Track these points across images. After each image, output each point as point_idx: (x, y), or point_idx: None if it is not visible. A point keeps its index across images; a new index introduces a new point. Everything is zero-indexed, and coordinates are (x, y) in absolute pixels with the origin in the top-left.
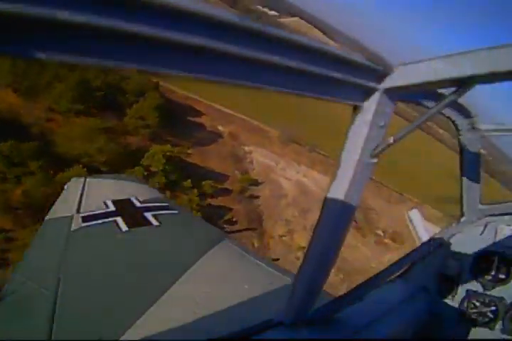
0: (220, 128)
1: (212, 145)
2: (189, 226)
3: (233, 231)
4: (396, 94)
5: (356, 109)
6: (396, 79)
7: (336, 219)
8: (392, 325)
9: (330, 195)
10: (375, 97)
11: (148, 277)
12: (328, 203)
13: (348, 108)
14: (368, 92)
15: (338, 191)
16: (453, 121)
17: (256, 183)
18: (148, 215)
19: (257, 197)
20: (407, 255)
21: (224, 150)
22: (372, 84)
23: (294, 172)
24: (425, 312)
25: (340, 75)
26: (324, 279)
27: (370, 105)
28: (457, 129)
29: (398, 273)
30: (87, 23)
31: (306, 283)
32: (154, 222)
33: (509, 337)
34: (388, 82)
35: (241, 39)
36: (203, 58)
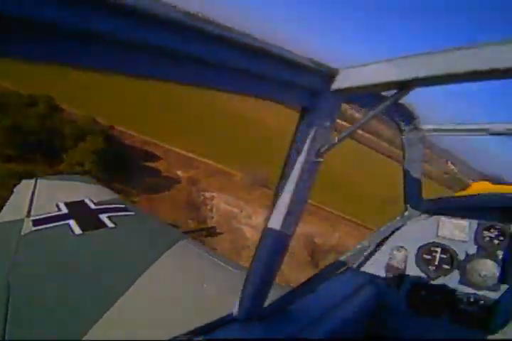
0: (178, 173)
1: (165, 192)
2: (146, 227)
3: None
4: (342, 95)
5: (303, 110)
6: (341, 82)
7: (286, 215)
8: (342, 316)
9: (279, 193)
10: (322, 99)
11: (104, 280)
12: (278, 200)
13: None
14: (314, 94)
15: (287, 188)
16: (396, 122)
17: (213, 233)
18: (104, 217)
19: (214, 250)
20: (356, 248)
21: (179, 197)
22: (318, 86)
23: (261, 219)
24: (374, 303)
25: (288, 77)
26: (275, 273)
27: (317, 106)
28: (400, 130)
29: (348, 266)
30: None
31: (258, 279)
32: (110, 224)
33: (455, 326)
34: (334, 84)
35: (188, 38)
36: (148, 58)
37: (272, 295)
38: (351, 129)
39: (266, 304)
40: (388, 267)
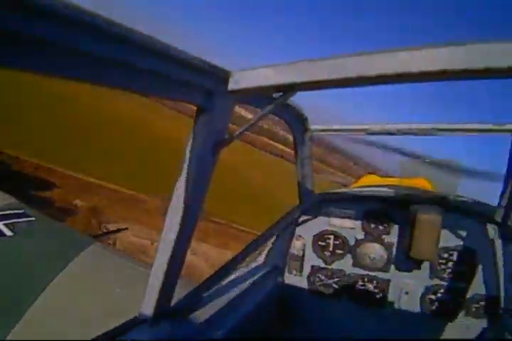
0: (76, 202)
1: None
2: (50, 234)
3: None
4: (236, 96)
5: (199, 110)
6: (234, 84)
7: (185, 211)
8: (251, 306)
9: (176, 191)
10: (217, 99)
11: (7, 294)
12: (175, 198)
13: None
14: (210, 93)
15: (184, 186)
16: (288, 123)
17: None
18: (0, 225)
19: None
20: (259, 238)
21: None
22: (213, 87)
23: None
24: (280, 289)
25: (183, 76)
26: (180, 270)
27: (212, 106)
28: (291, 130)
29: (253, 256)
30: None
31: (163, 277)
32: (8, 232)
33: (353, 305)
34: (228, 86)
35: (81, 34)
36: (33, 51)
37: (180, 292)
38: (243, 128)
39: (174, 302)
40: (290, 255)
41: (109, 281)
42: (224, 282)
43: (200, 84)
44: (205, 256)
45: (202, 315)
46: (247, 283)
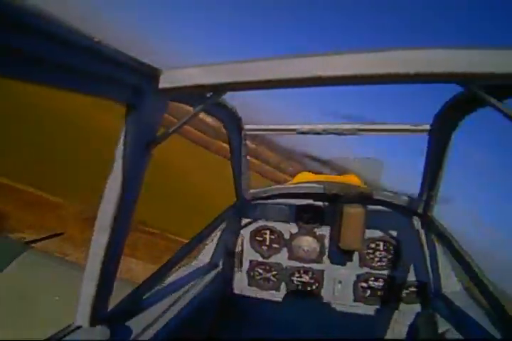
0: None
1: None
2: None
3: None
4: (167, 94)
5: (129, 107)
6: (165, 82)
7: (118, 210)
8: (194, 305)
9: (107, 192)
10: (147, 97)
11: None
12: (106, 199)
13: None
14: (140, 91)
15: (115, 188)
16: (223, 122)
17: None
18: None
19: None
20: (197, 237)
21: None
22: (142, 85)
23: None
24: (222, 286)
25: (113, 73)
26: (115, 272)
27: (142, 104)
28: (226, 129)
29: (193, 255)
30: None
31: (97, 280)
32: None
33: (292, 297)
34: (158, 84)
35: (2, 28)
36: None
37: (117, 296)
38: (176, 126)
39: (111, 306)
40: (229, 252)
41: (46, 289)
42: (164, 283)
43: (129, 82)
44: (130, 274)
45: (142, 318)
46: (188, 282)
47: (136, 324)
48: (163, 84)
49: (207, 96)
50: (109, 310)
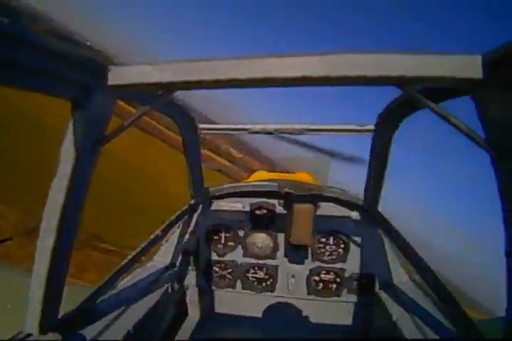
0: None
1: None
2: None
3: None
4: (115, 92)
5: (76, 104)
6: (114, 79)
7: (65, 211)
8: (147, 306)
9: (53, 193)
10: (94, 94)
11: None
12: (51, 201)
13: None
14: (87, 88)
15: (62, 188)
16: (176, 122)
17: None
18: None
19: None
20: (154, 237)
21: None
22: (89, 82)
23: None
24: (177, 285)
25: (57, 68)
26: (63, 279)
27: (90, 101)
28: (180, 128)
29: (147, 257)
30: None
31: (44, 288)
32: None
33: (248, 293)
34: (106, 81)
35: None
36: None
37: (69, 300)
38: (125, 125)
39: (63, 311)
40: (184, 251)
41: None
42: (118, 286)
43: (75, 78)
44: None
45: (95, 324)
46: (144, 284)
47: (89, 330)
48: (111, 81)
49: (158, 95)
50: (60, 316)
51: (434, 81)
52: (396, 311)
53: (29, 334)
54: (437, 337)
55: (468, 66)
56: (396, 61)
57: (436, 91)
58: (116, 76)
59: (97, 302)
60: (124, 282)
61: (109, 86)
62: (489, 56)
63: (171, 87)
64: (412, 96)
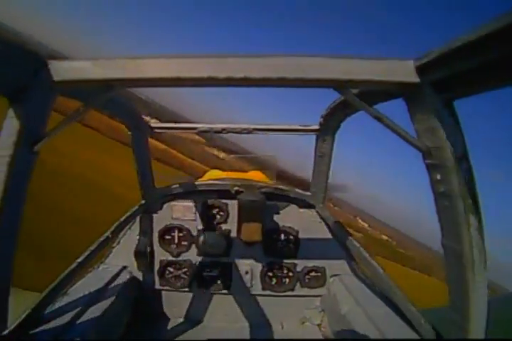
0: None
1: None
2: None
3: None
4: (54, 88)
5: (11, 101)
6: (53, 74)
7: (1, 220)
8: (102, 311)
9: None
10: (32, 90)
11: None
12: None
13: None
14: (23, 84)
15: None
16: (122, 120)
17: None
18: None
19: None
20: (104, 239)
21: None
22: (26, 77)
23: None
24: (133, 288)
25: None
26: (7, 287)
27: (26, 98)
28: (127, 127)
29: (99, 260)
30: None
31: None
32: None
33: (202, 292)
34: (44, 76)
35: None
36: None
37: (16, 308)
38: (65, 122)
39: (11, 320)
40: (137, 252)
41: None
42: (70, 290)
43: (10, 73)
44: None
45: (46, 330)
46: (96, 287)
47: (40, 336)
48: (50, 76)
49: (100, 92)
50: (9, 324)
51: (369, 84)
52: (346, 302)
53: None
54: (386, 327)
55: (401, 70)
56: (333, 64)
57: (372, 93)
58: (56, 71)
59: (48, 308)
60: (76, 286)
61: (48, 82)
62: (420, 61)
63: (112, 83)
64: (349, 99)
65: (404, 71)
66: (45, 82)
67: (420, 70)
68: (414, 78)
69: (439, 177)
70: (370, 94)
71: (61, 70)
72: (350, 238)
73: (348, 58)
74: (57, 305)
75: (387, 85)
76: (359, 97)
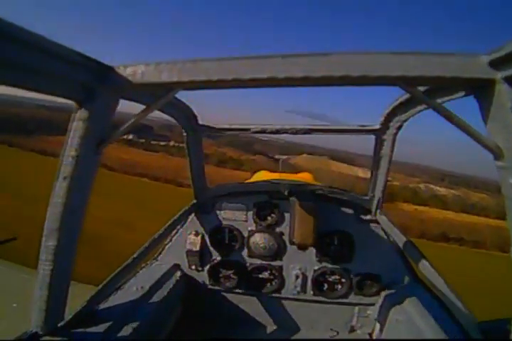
0: None
1: None
2: None
3: None
4: (118, 92)
5: (79, 105)
6: (116, 79)
7: (67, 212)
8: (154, 306)
9: (55, 194)
10: (97, 94)
11: None
12: (53, 202)
13: None
14: (90, 89)
15: (64, 189)
16: (178, 121)
17: None
18: None
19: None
20: (157, 237)
21: None
22: (93, 82)
23: None
24: (182, 286)
25: (60, 70)
26: (68, 279)
27: (93, 101)
28: (183, 128)
29: (151, 256)
30: None
31: (49, 288)
32: None
33: (251, 293)
34: (109, 81)
35: None
36: None
37: (74, 300)
38: (127, 125)
39: (69, 311)
40: (188, 251)
41: (4, 296)
42: (123, 285)
43: (78, 79)
44: None
45: (101, 322)
46: (149, 283)
47: (95, 328)
48: (114, 81)
49: (160, 95)
50: (66, 315)
51: (438, 81)
52: (401, 312)
53: (36, 334)
54: (442, 338)
55: (473, 66)
56: (400, 61)
57: (440, 91)
58: (120, 76)
59: (103, 301)
60: (130, 282)
61: (113, 86)
62: (494, 56)
63: (173, 86)
64: (416, 96)
65: (476, 66)
66: (110, 87)
67: (494, 65)
68: (487, 74)
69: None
70: (438, 92)
71: (125, 75)
72: (410, 245)
73: (415, 54)
74: (111, 299)
75: (457, 82)
76: (426, 95)
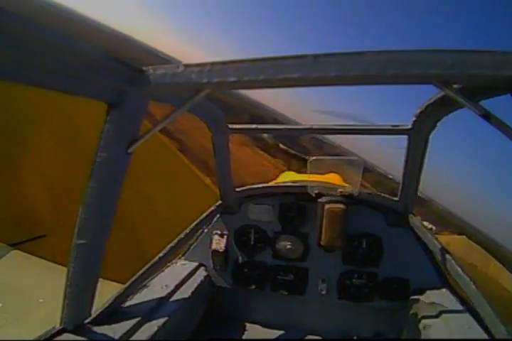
0: None
1: None
2: None
3: None
4: (148, 93)
5: (110, 107)
6: (146, 81)
7: (98, 211)
8: (178, 305)
9: (88, 193)
10: (128, 96)
11: None
12: (86, 201)
13: None
14: (120, 91)
15: (96, 188)
16: (205, 122)
17: None
18: None
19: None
20: (183, 237)
21: None
22: (124, 84)
23: None
24: (207, 286)
25: (91, 73)
26: (97, 276)
27: (124, 103)
28: (209, 128)
29: (176, 255)
30: None
31: (79, 282)
32: None
33: (277, 294)
34: (139, 83)
35: None
36: None
37: (101, 296)
38: (157, 126)
39: (96, 307)
40: (213, 251)
41: (30, 291)
42: (149, 283)
43: (109, 81)
44: None
45: (127, 319)
46: (173, 282)
47: (121, 325)
48: (144, 83)
49: (189, 96)
50: (93, 311)
51: (474, 79)
52: (429, 318)
53: (64, 330)
54: None
55: (510, 63)
56: (434, 59)
57: (476, 89)
58: (150, 78)
59: (129, 299)
60: (155, 280)
61: (143, 88)
62: None
63: (203, 87)
64: (451, 95)
65: None
66: (141, 89)
67: None
68: None
69: None
70: (475, 90)
71: (155, 77)
72: (441, 249)
73: (449, 52)
74: (136, 297)
75: (495, 80)
76: (461, 93)
